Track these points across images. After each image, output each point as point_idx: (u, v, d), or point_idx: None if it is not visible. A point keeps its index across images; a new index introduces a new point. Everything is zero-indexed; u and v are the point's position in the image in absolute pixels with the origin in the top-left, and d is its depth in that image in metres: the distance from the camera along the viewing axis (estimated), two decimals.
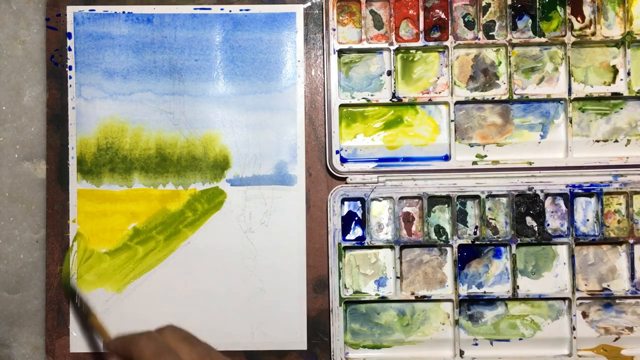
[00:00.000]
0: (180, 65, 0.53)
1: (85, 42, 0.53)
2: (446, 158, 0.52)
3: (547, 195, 0.52)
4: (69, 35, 0.53)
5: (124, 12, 0.53)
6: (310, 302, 0.52)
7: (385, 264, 0.52)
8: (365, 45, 0.52)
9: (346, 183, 0.52)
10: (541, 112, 0.53)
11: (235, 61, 0.53)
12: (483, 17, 0.53)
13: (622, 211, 0.52)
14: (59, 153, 0.53)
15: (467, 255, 0.52)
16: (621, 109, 0.53)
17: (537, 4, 0.52)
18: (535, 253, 0.52)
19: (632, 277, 0.51)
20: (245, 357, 0.52)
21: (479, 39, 0.52)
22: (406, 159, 0.53)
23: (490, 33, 0.53)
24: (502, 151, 0.53)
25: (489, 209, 0.52)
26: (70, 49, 0.53)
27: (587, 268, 0.52)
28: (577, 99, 0.52)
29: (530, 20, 0.53)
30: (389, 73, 0.53)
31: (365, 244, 0.52)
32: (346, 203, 0.52)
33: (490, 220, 0.52)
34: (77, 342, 0.52)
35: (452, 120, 0.52)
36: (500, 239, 0.52)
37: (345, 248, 0.52)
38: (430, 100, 0.52)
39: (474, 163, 0.52)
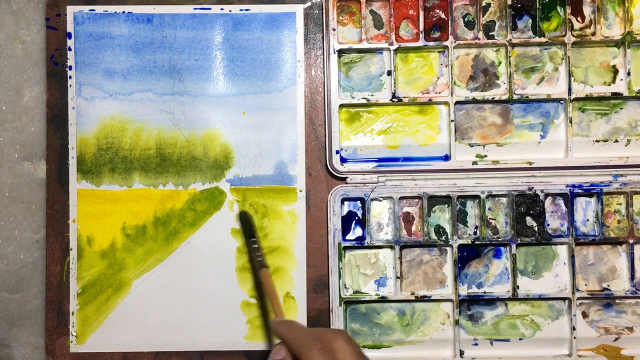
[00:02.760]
0: (180, 65, 0.53)
1: (85, 42, 0.53)
2: (446, 158, 0.52)
3: (547, 195, 0.52)
4: (69, 35, 0.53)
5: (124, 12, 0.53)
6: (310, 302, 0.52)
7: (385, 264, 0.52)
8: (365, 45, 0.52)
9: (346, 183, 0.52)
10: (541, 112, 0.53)
11: (235, 61, 0.53)
12: (483, 17, 0.53)
13: (622, 211, 0.52)
14: (59, 153, 0.53)
15: (467, 255, 0.52)
16: (621, 109, 0.53)
17: (537, 4, 0.52)
18: (535, 253, 0.52)
19: (632, 277, 0.51)
20: (245, 357, 0.52)
21: (479, 39, 0.52)
22: (406, 159, 0.53)
23: (490, 33, 0.53)
24: (502, 151, 0.53)
25: (489, 209, 0.52)
26: (70, 49, 0.53)
27: (587, 268, 0.52)
28: (577, 99, 0.52)
29: (530, 20, 0.53)
30: (389, 73, 0.53)
31: (365, 244, 0.52)
32: (346, 203, 0.52)
33: (490, 220, 0.52)
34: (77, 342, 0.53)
35: (452, 120, 0.52)
36: (500, 239, 0.52)
37: (345, 248, 0.52)
38: (430, 100, 0.52)
39: (474, 163, 0.52)
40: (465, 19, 0.53)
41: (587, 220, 0.52)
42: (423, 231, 0.52)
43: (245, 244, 0.51)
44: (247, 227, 0.50)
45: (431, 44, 0.52)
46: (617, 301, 0.52)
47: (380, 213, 0.53)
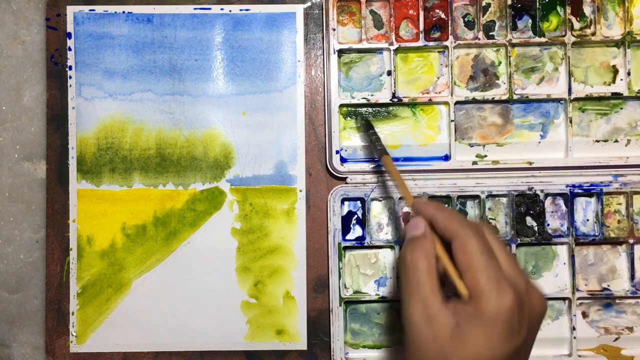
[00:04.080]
0: (180, 65, 0.53)
1: (85, 42, 0.53)
2: (446, 158, 0.52)
3: (547, 195, 0.52)
4: (69, 35, 0.53)
5: (124, 12, 0.53)
6: (310, 302, 0.52)
7: (385, 264, 0.52)
8: (365, 45, 0.52)
9: (346, 183, 0.52)
10: (541, 112, 0.53)
11: (235, 61, 0.53)
12: (483, 17, 0.53)
13: (622, 211, 0.52)
14: (59, 153, 0.53)
15: None
16: (621, 109, 0.53)
17: (537, 4, 0.52)
18: (535, 253, 0.52)
19: (632, 277, 0.51)
20: (245, 357, 0.52)
21: (479, 39, 0.52)
22: (406, 159, 0.53)
23: (490, 33, 0.53)
24: (502, 151, 0.53)
25: (489, 209, 0.52)
26: (70, 49, 0.53)
27: (587, 268, 0.52)
28: (577, 99, 0.52)
29: (530, 20, 0.53)
30: (389, 73, 0.53)
31: (365, 244, 0.52)
32: (346, 203, 0.52)
33: (490, 220, 0.52)
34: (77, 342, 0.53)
35: (452, 120, 0.52)
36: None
37: (345, 248, 0.52)
38: (430, 100, 0.52)
39: (474, 163, 0.52)
40: (465, 19, 0.53)
41: (587, 220, 0.52)
42: None
43: (366, 136, 0.51)
44: (366, 123, 0.51)
45: (431, 44, 0.52)
46: (617, 301, 0.52)
47: (380, 213, 0.53)
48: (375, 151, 0.48)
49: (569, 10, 0.52)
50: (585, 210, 0.52)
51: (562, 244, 0.52)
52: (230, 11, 0.53)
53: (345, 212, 0.52)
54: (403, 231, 0.37)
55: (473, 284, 0.34)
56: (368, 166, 0.52)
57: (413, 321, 0.34)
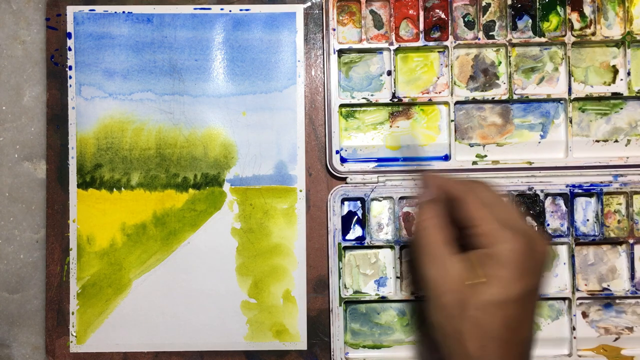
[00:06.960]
0: (180, 65, 0.53)
1: (85, 42, 0.53)
2: (446, 158, 0.52)
3: (547, 195, 0.52)
4: (69, 35, 0.53)
5: (124, 12, 0.53)
6: (310, 302, 0.52)
7: (385, 264, 0.52)
8: (365, 45, 0.52)
9: (346, 183, 0.52)
10: (541, 112, 0.53)
11: (235, 61, 0.53)
12: (483, 17, 0.53)
13: (622, 211, 0.52)
14: (59, 153, 0.53)
15: None
16: (621, 109, 0.53)
17: (537, 4, 0.52)
18: None
19: (632, 277, 0.51)
20: (245, 357, 0.52)
21: (479, 39, 0.52)
22: (406, 159, 0.53)
23: (490, 33, 0.53)
24: (502, 151, 0.53)
25: None
26: (70, 49, 0.53)
27: (587, 268, 0.52)
28: (577, 99, 0.52)
29: (530, 20, 0.53)
30: (389, 73, 0.53)
31: (365, 244, 0.52)
32: (346, 203, 0.52)
33: None
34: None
35: (452, 120, 0.52)
36: None
37: (345, 248, 0.52)
38: (430, 100, 0.52)
39: (474, 163, 0.52)
40: (465, 19, 0.53)
41: (587, 220, 0.52)
42: None
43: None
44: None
45: (431, 44, 0.52)
46: (617, 301, 0.52)
47: (380, 213, 0.53)
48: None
49: (569, 10, 0.52)
50: (585, 210, 0.52)
51: (562, 244, 0.52)
52: (230, 11, 0.53)
53: (345, 212, 0.52)
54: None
55: (486, 232, 0.35)
56: (368, 166, 0.52)
57: (429, 276, 0.36)
